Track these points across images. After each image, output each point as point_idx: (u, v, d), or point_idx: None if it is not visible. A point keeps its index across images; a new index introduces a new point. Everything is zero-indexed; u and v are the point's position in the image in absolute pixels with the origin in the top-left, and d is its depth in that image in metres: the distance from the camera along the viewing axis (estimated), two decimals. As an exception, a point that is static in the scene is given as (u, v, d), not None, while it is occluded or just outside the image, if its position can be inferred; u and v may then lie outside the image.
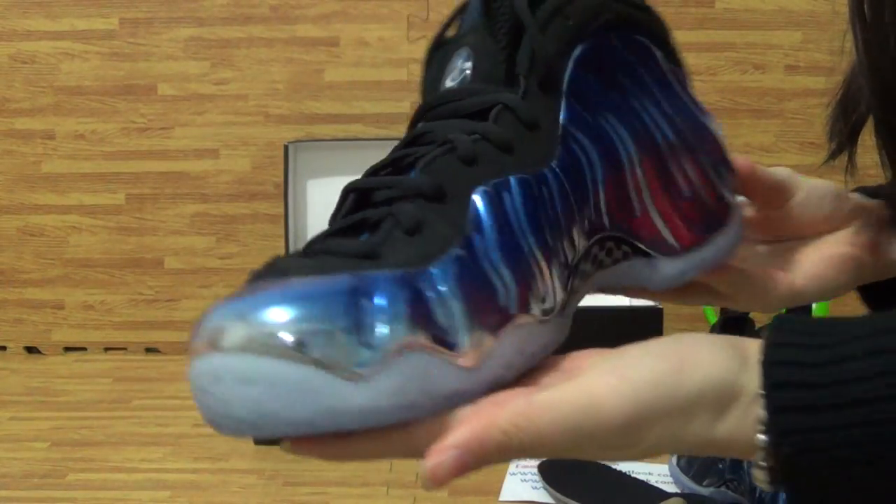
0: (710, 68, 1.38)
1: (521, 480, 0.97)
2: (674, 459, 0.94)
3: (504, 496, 0.95)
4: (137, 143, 1.43)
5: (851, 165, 0.52)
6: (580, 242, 0.39)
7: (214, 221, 1.44)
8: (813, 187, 0.51)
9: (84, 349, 1.46)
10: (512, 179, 0.37)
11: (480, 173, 0.37)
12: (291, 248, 1.39)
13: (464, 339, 0.33)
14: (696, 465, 0.91)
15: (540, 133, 0.39)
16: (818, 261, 0.50)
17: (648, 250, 0.43)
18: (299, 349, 0.31)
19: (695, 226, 0.45)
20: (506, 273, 0.35)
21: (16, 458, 1.06)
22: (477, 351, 0.34)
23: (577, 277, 0.39)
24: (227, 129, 1.42)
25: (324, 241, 0.38)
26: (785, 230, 0.52)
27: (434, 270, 0.34)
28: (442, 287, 0.34)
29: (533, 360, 0.37)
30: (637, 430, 0.33)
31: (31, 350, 1.47)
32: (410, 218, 0.36)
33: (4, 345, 1.47)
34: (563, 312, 0.38)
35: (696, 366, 0.33)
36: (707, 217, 0.45)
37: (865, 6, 0.44)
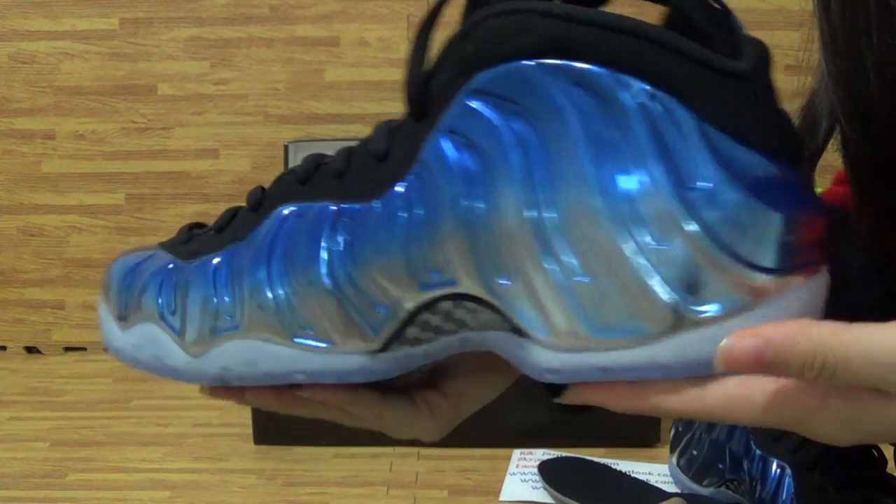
0: (710, 68, 1.38)
1: (521, 480, 0.97)
2: (674, 459, 0.94)
3: (504, 496, 0.95)
4: (137, 143, 1.43)
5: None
6: (403, 288, 0.37)
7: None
8: None
9: (84, 349, 1.46)
10: (316, 206, 0.38)
11: (304, 193, 0.39)
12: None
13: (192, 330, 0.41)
14: (696, 465, 0.91)
15: (386, 164, 0.37)
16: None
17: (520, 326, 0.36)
18: None
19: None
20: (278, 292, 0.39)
21: (16, 458, 1.06)
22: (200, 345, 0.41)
23: (412, 325, 0.38)
24: (227, 129, 1.42)
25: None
26: None
27: (193, 265, 0.41)
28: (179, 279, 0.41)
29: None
30: None
31: (31, 350, 1.47)
32: (224, 217, 0.43)
33: (4, 345, 1.47)
34: (377, 353, 0.38)
35: None
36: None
37: (832, 3, 0.41)
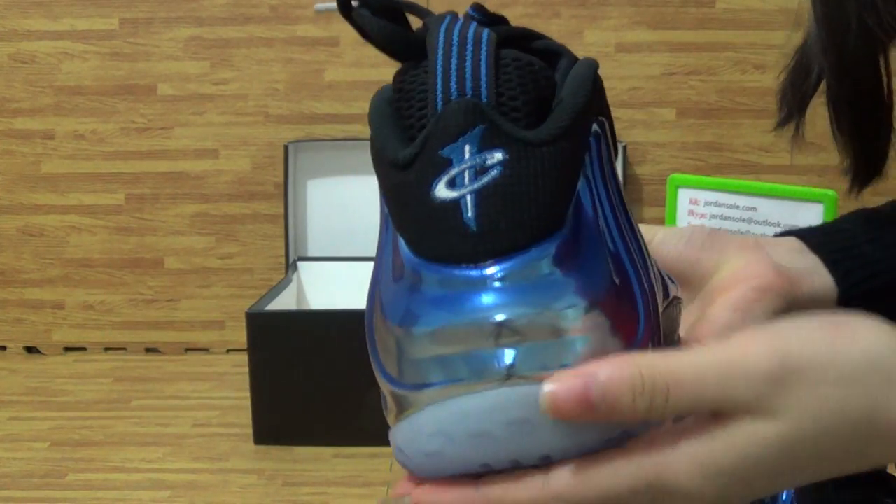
0: (710, 68, 1.38)
1: (521, 480, 0.97)
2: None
3: (504, 496, 0.95)
4: (137, 143, 1.43)
5: (798, 134, 0.50)
6: None
7: (214, 221, 1.44)
8: (670, 229, 0.48)
9: (84, 349, 1.46)
10: None
11: None
12: (291, 248, 1.39)
13: None
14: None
15: None
16: (721, 312, 0.43)
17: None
18: None
19: None
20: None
21: (16, 458, 1.06)
22: None
23: None
24: (227, 129, 1.42)
25: None
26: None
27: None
28: None
29: None
30: (782, 387, 0.30)
31: (31, 350, 1.47)
32: None
33: (4, 345, 1.47)
34: None
35: (856, 338, 0.31)
36: None
37: None
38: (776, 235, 0.51)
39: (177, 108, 1.42)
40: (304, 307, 1.36)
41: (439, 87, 0.29)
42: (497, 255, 0.28)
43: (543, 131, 0.29)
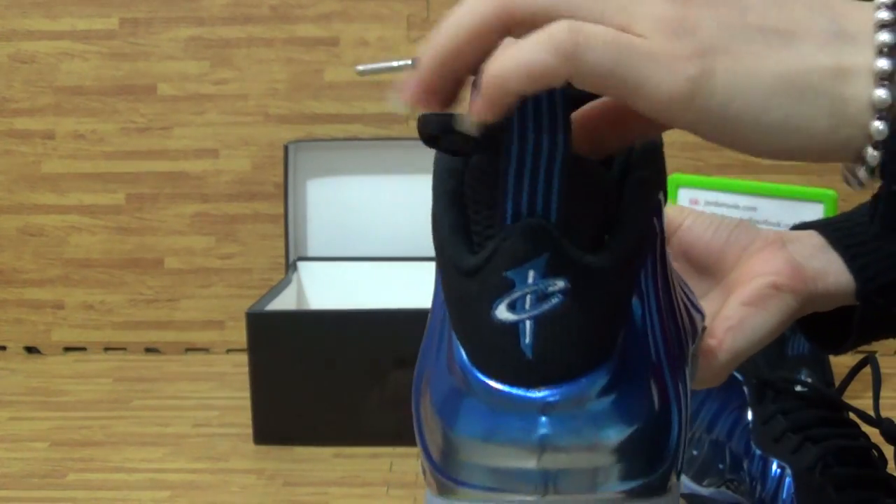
0: (710, 68, 1.38)
1: (521, 480, 0.97)
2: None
3: (504, 496, 0.95)
4: (137, 143, 1.43)
5: None
6: None
7: (214, 221, 1.44)
8: (700, 215, 0.48)
9: (84, 349, 1.46)
10: None
11: None
12: (291, 248, 1.39)
13: None
14: (696, 465, 0.91)
15: None
16: (735, 307, 0.44)
17: None
18: None
19: None
20: None
21: (16, 458, 1.06)
22: None
23: None
24: (227, 129, 1.42)
25: None
26: (687, 259, 0.48)
27: None
28: None
29: None
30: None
31: (31, 350, 1.47)
32: None
33: (4, 345, 1.47)
34: None
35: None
36: None
37: None
38: (796, 226, 0.51)
39: (177, 108, 1.42)
40: (304, 307, 1.36)
41: (510, 202, 0.28)
42: (549, 383, 0.28)
43: (607, 257, 0.29)
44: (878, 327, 0.51)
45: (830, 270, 0.47)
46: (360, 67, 0.33)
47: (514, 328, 0.28)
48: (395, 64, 0.33)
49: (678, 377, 0.31)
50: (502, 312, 0.28)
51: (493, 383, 0.29)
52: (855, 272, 0.47)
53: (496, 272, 0.28)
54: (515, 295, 0.28)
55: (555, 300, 0.28)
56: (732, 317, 0.43)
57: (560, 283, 0.28)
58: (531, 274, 0.28)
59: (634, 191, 0.31)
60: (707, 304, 0.43)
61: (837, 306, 0.48)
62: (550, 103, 0.29)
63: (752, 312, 0.43)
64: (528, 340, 0.28)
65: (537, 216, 0.28)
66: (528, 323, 0.28)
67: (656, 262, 0.31)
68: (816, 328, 0.53)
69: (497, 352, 0.29)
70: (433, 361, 0.32)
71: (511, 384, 0.29)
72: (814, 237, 0.48)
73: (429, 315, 0.33)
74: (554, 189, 0.28)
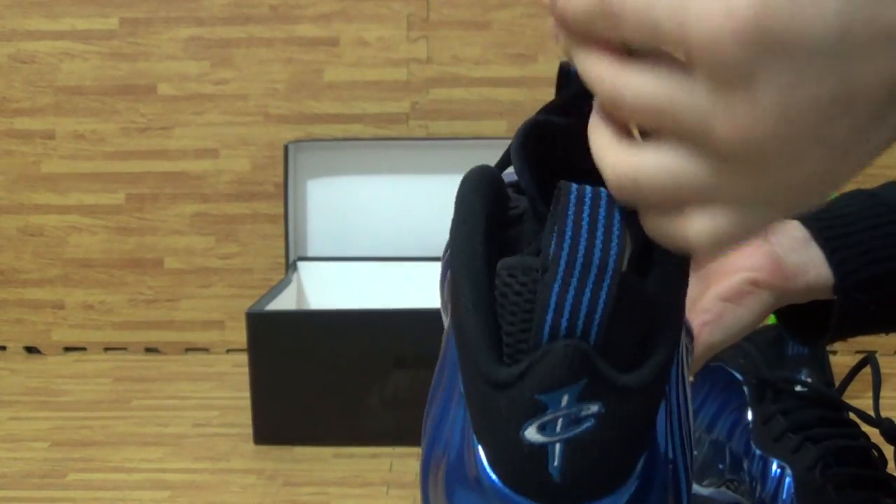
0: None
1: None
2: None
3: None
4: (137, 143, 1.43)
5: None
6: None
7: (214, 221, 1.44)
8: None
9: (84, 349, 1.46)
10: None
11: None
12: (291, 248, 1.39)
13: None
14: (696, 464, 0.91)
15: None
16: (713, 302, 0.44)
17: None
18: None
19: None
20: None
21: (16, 458, 1.06)
22: None
23: None
24: (227, 129, 1.42)
25: None
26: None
27: None
28: None
29: None
30: None
31: (31, 350, 1.47)
32: None
33: (4, 345, 1.47)
34: None
35: None
36: None
37: None
38: None
39: (177, 108, 1.42)
40: (304, 307, 1.36)
41: (549, 319, 0.27)
42: (573, 503, 0.28)
43: (643, 377, 0.28)
44: (858, 322, 0.50)
45: (811, 265, 0.47)
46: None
47: (542, 450, 0.27)
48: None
49: (690, 471, 0.31)
50: (532, 434, 0.27)
51: (514, 496, 0.28)
52: (834, 266, 0.47)
53: (529, 392, 0.27)
54: (547, 418, 0.27)
55: (587, 424, 0.27)
56: (710, 310, 0.43)
57: (594, 408, 0.27)
58: (565, 399, 0.27)
59: (672, 309, 0.29)
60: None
61: (815, 299, 0.48)
62: (607, 213, 0.27)
63: (730, 308, 0.43)
64: (556, 463, 0.27)
65: (577, 337, 0.26)
66: (557, 446, 0.27)
67: (680, 367, 0.30)
68: (794, 319, 0.53)
69: (522, 468, 0.27)
70: (446, 449, 0.30)
71: (534, 501, 0.28)
72: (797, 229, 0.48)
73: (437, 371, 0.32)
74: (598, 309, 0.27)
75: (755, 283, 0.45)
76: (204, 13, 1.40)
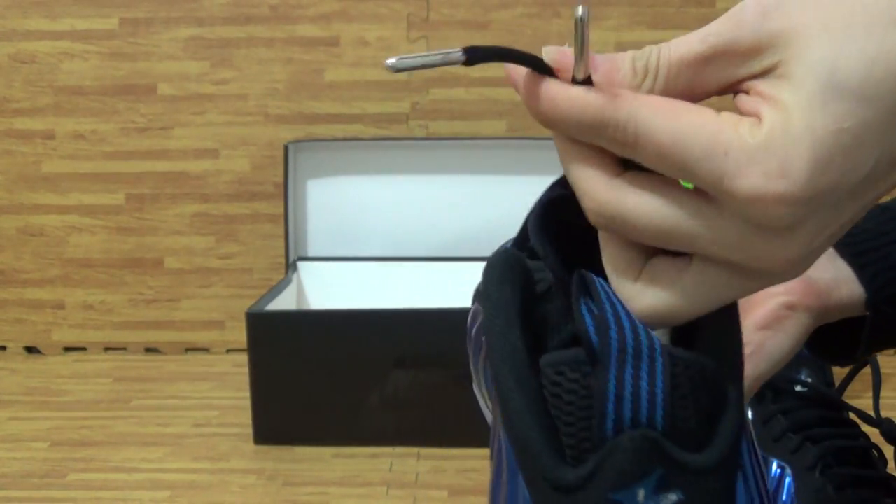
0: (710, 68, 1.38)
1: (521, 480, 0.97)
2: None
3: (504, 496, 0.95)
4: (137, 143, 1.43)
5: None
6: None
7: (214, 221, 1.44)
8: None
9: (84, 349, 1.46)
10: None
11: None
12: (291, 248, 1.39)
13: None
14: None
15: None
16: (752, 332, 0.43)
17: None
18: None
19: None
20: None
21: (16, 458, 1.06)
22: None
23: None
24: (227, 129, 1.42)
25: None
26: None
27: None
28: None
29: None
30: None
31: (31, 350, 1.47)
32: None
33: (4, 345, 1.47)
34: None
35: None
36: None
37: None
38: None
39: (177, 108, 1.42)
40: (304, 307, 1.36)
41: (611, 411, 0.25)
42: None
43: (716, 453, 0.26)
44: (888, 336, 0.50)
45: (841, 282, 0.47)
46: (392, 61, 0.30)
47: None
48: (432, 58, 0.30)
49: None
50: None
51: None
52: (865, 282, 0.46)
53: (600, 493, 0.25)
54: None
55: None
56: (750, 342, 0.42)
57: (673, 497, 0.25)
58: (641, 493, 0.25)
59: (733, 383, 0.28)
60: None
61: (846, 317, 0.48)
62: None
63: (770, 336, 0.43)
64: None
65: (642, 426, 0.25)
66: None
67: (746, 427, 0.28)
68: (821, 341, 0.53)
69: None
70: None
71: None
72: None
73: (494, 469, 0.29)
74: (659, 392, 0.25)
75: (791, 307, 0.44)
76: (204, 13, 1.40)
